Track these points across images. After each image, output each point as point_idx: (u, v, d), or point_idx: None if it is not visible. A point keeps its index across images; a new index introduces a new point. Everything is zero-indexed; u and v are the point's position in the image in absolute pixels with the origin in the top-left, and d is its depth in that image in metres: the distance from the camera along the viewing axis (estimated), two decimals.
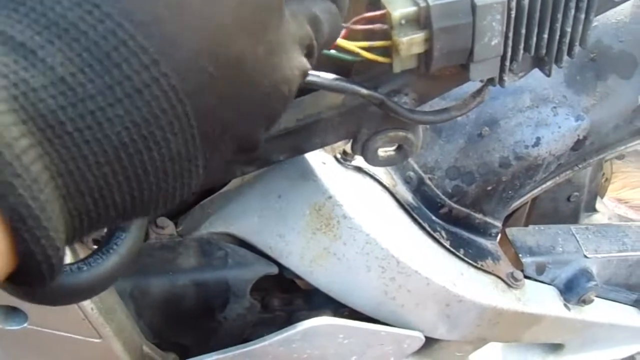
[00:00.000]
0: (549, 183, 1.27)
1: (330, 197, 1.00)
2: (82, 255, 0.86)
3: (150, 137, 0.46)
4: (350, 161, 1.05)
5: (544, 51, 0.74)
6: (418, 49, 0.68)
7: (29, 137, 0.41)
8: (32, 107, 0.42)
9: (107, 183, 0.46)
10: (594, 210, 1.75)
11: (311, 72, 0.70)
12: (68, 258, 0.85)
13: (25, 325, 0.94)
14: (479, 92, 0.80)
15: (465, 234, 1.19)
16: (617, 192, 2.55)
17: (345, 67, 0.78)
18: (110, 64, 0.44)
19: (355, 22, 0.68)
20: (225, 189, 1.07)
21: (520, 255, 1.28)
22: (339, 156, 1.05)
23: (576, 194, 1.58)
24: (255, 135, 0.58)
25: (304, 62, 0.58)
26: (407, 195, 1.13)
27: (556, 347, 1.44)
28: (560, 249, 1.33)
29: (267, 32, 0.51)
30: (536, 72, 0.80)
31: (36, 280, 0.46)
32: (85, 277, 0.67)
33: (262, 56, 0.51)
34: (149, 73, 0.45)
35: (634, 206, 2.62)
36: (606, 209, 1.81)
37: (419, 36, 0.67)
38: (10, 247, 0.42)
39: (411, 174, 1.15)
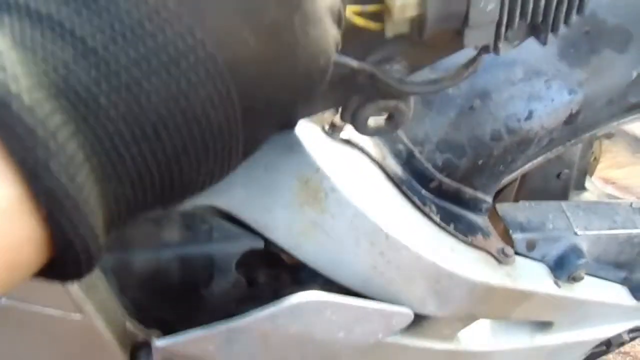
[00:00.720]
0: (540, 158, 1.25)
1: (318, 170, 0.98)
2: None
3: (190, 111, 0.44)
4: (339, 133, 1.03)
5: (540, 18, 0.72)
6: (411, 11, 0.66)
7: (62, 114, 0.39)
8: (63, 81, 0.39)
9: (145, 163, 0.43)
10: (584, 188, 1.74)
11: None
12: None
13: (3, 301, 0.92)
14: (472, 61, 0.78)
15: (456, 209, 1.17)
16: (604, 171, 2.56)
17: None
18: (143, 33, 0.41)
19: None
20: None
21: (510, 231, 1.26)
22: (327, 128, 1.02)
23: (566, 171, 1.57)
24: (295, 110, 0.55)
25: (337, 32, 0.57)
26: (397, 169, 1.11)
27: (545, 325, 1.42)
28: (551, 226, 1.32)
29: (302, 1, 0.49)
30: (529, 44, 0.77)
31: (72, 273, 0.43)
32: None
33: (298, 26, 0.49)
34: (184, 41, 0.42)
35: (621, 187, 2.63)
36: (595, 188, 1.80)
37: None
38: (45, 236, 0.39)
39: (401, 147, 1.13)
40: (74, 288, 0.91)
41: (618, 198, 1.96)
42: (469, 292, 1.13)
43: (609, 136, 1.63)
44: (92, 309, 0.96)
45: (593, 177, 1.90)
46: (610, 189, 2.54)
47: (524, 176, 1.49)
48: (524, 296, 1.22)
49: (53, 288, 0.90)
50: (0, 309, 0.92)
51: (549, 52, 1.17)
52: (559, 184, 1.60)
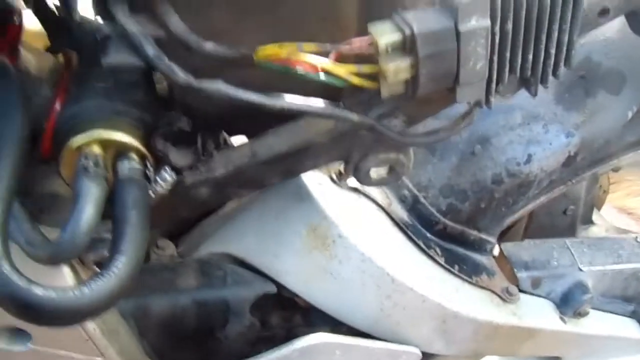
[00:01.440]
0: (542, 198, 1.29)
1: (325, 217, 1.03)
2: (83, 276, 0.89)
3: None
4: (346, 181, 1.08)
5: (529, 73, 0.76)
6: (404, 75, 0.70)
7: None
8: None
9: None
10: (591, 222, 1.77)
11: (301, 99, 0.74)
12: (70, 278, 0.88)
13: (29, 345, 0.96)
14: (467, 113, 0.83)
15: (461, 250, 1.21)
16: (619, 201, 2.56)
17: (334, 90, 0.80)
18: None
19: (344, 47, 0.71)
20: (222, 210, 1.09)
21: (515, 270, 1.30)
22: (334, 176, 1.07)
23: (572, 207, 1.60)
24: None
25: None
26: (402, 214, 1.16)
27: None
28: (555, 263, 1.35)
29: None
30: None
31: None
32: (86, 298, 0.71)
33: None
34: None
35: (637, 216, 2.62)
36: (603, 221, 1.82)
37: (405, 63, 0.69)
38: None
39: (406, 192, 1.18)
40: (97, 333, 0.95)
41: (629, 230, 1.99)
42: (475, 331, 1.17)
43: (615, 169, 1.66)
44: (113, 353, 1.00)
45: (608, 207, 1.93)
46: (625, 219, 2.54)
47: (530, 214, 1.52)
48: (530, 333, 1.26)
49: (77, 333, 0.95)
50: (26, 354, 0.97)
51: (545, 96, 1.21)
52: (566, 220, 1.62)
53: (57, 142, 0.87)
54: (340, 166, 1.07)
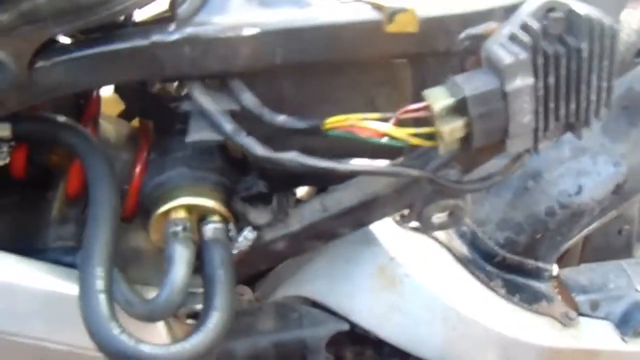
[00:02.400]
0: (595, 224, 1.34)
1: (392, 258, 1.11)
2: (176, 329, 0.97)
3: None
4: (408, 223, 1.15)
5: (573, 119, 0.82)
6: (459, 133, 0.77)
7: None
8: None
9: None
10: None
11: (367, 161, 0.81)
12: (164, 332, 0.95)
13: None
14: (518, 158, 0.89)
15: (520, 279, 1.26)
16: None
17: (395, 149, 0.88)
18: None
19: (402, 113, 0.78)
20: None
21: (573, 294, 1.34)
22: (397, 219, 1.14)
23: (627, 227, 1.62)
24: None
25: None
26: (463, 249, 1.22)
27: None
28: (612, 285, 1.38)
29: None
30: None
31: None
32: (187, 353, 0.79)
33: None
34: None
35: None
36: None
37: (459, 123, 0.76)
38: None
39: (465, 228, 1.24)
40: None
41: None
42: (537, 357, 1.22)
43: None
44: None
45: None
46: None
47: (586, 237, 1.55)
48: (591, 355, 1.30)
49: None
50: None
51: (592, 129, 1.25)
52: (622, 240, 1.64)
53: (144, 209, 0.96)
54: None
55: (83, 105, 1.05)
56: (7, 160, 0.95)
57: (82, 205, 1.02)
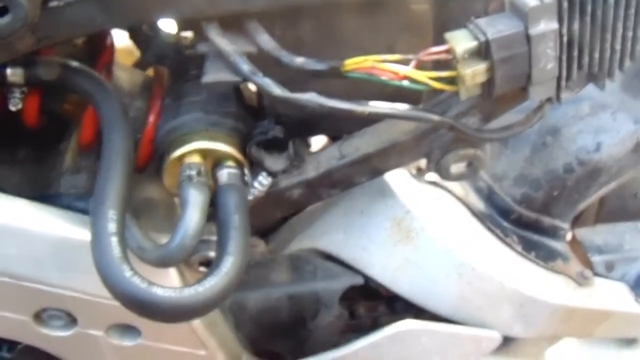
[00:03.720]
0: (613, 184, 1.32)
1: (408, 211, 1.09)
2: (188, 277, 0.96)
3: None
4: (424, 176, 1.13)
5: (596, 69, 0.81)
6: (481, 78, 0.76)
7: None
8: None
9: None
10: None
11: (386, 104, 0.80)
12: (176, 278, 0.95)
13: (139, 341, 1.04)
14: (539, 108, 0.88)
15: (536, 237, 1.25)
16: None
17: (413, 94, 0.86)
18: None
19: (424, 55, 0.77)
20: (310, 208, 1.16)
21: (589, 254, 1.33)
22: (414, 172, 1.13)
23: None
24: None
25: None
26: (479, 204, 1.21)
27: (631, 342, 1.48)
28: (628, 247, 1.38)
29: None
30: None
31: None
32: (201, 296, 0.78)
33: None
34: None
35: None
36: None
37: (482, 67, 0.75)
38: None
39: (481, 183, 1.23)
40: (200, 327, 1.03)
41: None
42: (552, 314, 1.21)
43: None
44: (214, 345, 1.07)
45: None
46: None
47: (602, 199, 1.54)
48: (605, 315, 1.30)
49: (182, 328, 1.02)
50: (137, 349, 1.04)
51: (612, 85, 1.23)
52: (637, 203, 1.64)
53: (158, 154, 0.95)
54: (418, 162, 1.13)
55: (97, 53, 1.04)
56: (20, 106, 0.94)
57: (95, 156, 1.01)
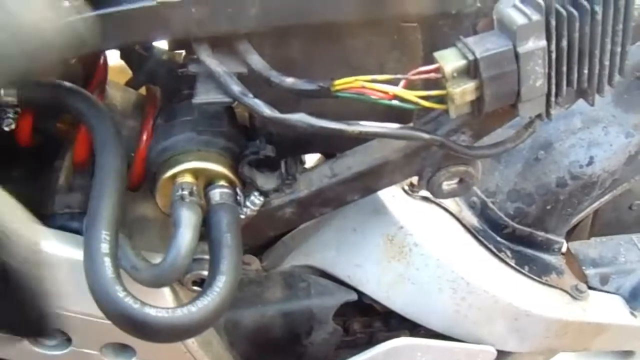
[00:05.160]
0: (606, 197, 1.33)
1: (401, 227, 1.10)
2: (182, 296, 0.96)
3: None
4: (417, 192, 1.14)
5: (585, 84, 0.81)
6: (470, 96, 0.77)
7: None
8: None
9: None
10: None
11: (376, 124, 0.80)
12: (169, 297, 0.95)
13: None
14: (530, 124, 0.88)
15: (529, 251, 1.26)
16: None
17: (406, 113, 0.87)
18: None
19: (413, 74, 0.77)
20: (303, 225, 1.16)
21: (583, 267, 1.34)
22: (406, 188, 1.14)
23: (637, 202, 1.61)
24: None
25: None
26: (472, 219, 1.22)
27: (627, 354, 1.48)
28: (623, 259, 1.38)
29: None
30: None
31: None
32: (195, 316, 0.78)
33: None
34: None
35: None
36: None
37: (471, 85, 0.76)
38: None
39: (475, 199, 1.24)
40: (194, 346, 1.03)
41: None
42: (547, 328, 1.22)
43: None
44: None
45: None
46: None
47: (596, 212, 1.54)
48: (600, 329, 1.30)
49: (177, 347, 1.02)
50: None
51: (604, 99, 1.24)
52: (632, 215, 1.64)
53: (151, 173, 0.95)
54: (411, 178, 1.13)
55: (90, 72, 1.04)
56: (13, 127, 0.94)
57: (88, 175, 1.01)
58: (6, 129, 0.94)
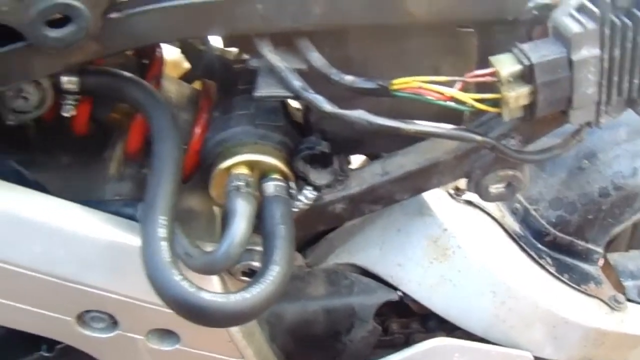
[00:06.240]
0: None
1: (445, 230, 1.12)
2: (229, 284, 0.98)
3: None
4: (462, 196, 1.16)
5: (635, 94, 0.82)
6: (524, 100, 0.78)
7: None
8: None
9: None
10: None
11: (432, 124, 0.82)
12: (218, 286, 0.97)
13: (177, 346, 1.05)
14: (578, 132, 0.90)
15: (569, 260, 1.27)
16: None
17: (455, 115, 0.89)
18: None
19: (470, 77, 0.79)
20: (348, 224, 1.18)
21: (621, 279, 1.34)
22: (451, 191, 1.16)
23: None
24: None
25: None
26: (514, 225, 1.23)
27: None
28: None
29: None
30: None
31: None
32: (248, 303, 0.80)
33: None
34: None
35: None
36: None
37: (525, 90, 0.78)
38: None
39: (517, 205, 1.25)
40: (238, 335, 1.05)
41: None
42: (584, 337, 1.23)
43: None
44: (251, 354, 1.09)
45: None
46: None
47: (635, 225, 1.55)
48: (636, 340, 1.30)
49: (221, 335, 1.04)
50: (175, 354, 1.06)
51: None
52: None
53: (206, 165, 0.97)
54: (456, 182, 1.15)
55: (147, 64, 1.07)
56: (73, 113, 0.96)
57: (138, 165, 1.04)
58: (66, 114, 0.96)
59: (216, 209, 1.10)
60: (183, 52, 1.11)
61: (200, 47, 1.10)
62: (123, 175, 1.05)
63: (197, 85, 1.14)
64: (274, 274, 0.83)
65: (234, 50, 1.12)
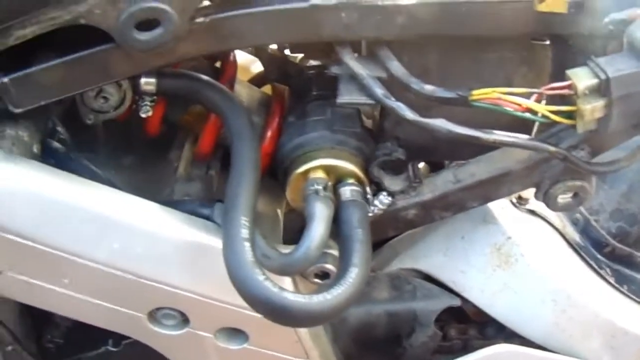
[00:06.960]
0: None
1: (509, 238, 1.14)
2: (300, 286, 1.00)
3: None
4: (525, 205, 1.18)
5: None
6: (599, 113, 0.80)
7: None
8: None
9: None
10: None
11: (508, 134, 0.84)
12: (290, 288, 0.99)
13: (245, 345, 1.08)
14: None
15: (628, 272, 1.27)
16: None
17: (526, 125, 0.91)
18: None
19: (547, 89, 0.81)
20: (411, 231, 1.20)
21: None
22: (514, 200, 1.18)
23: None
24: None
25: None
26: (575, 236, 1.24)
27: None
28: None
29: None
30: None
31: None
32: (328, 304, 0.82)
33: None
34: None
35: None
36: None
37: (600, 103, 0.79)
38: None
39: (578, 216, 1.26)
40: (306, 336, 1.07)
41: None
42: None
43: None
44: (316, 355, 1.11)
45: None
46: None
47: None
48: None
49: (289, 335, 1.06)
50: (243, 352, 1.08)
51: None
52: None
53: (282, 169, 1.00)
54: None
55: (220, 68, 1.10)
56: (150, 114, 1.00)
57: (205, 166, 1.07)
58: (143, 115, 0.99)
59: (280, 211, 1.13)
60: (257, 56, 1.13)
61: (275, 52, 1.12)
62: (191, 176, 1.08)
63: (265, 89, 1.17)
64: (354, 276, 0.85)
65: (298, 55, 1.15)
